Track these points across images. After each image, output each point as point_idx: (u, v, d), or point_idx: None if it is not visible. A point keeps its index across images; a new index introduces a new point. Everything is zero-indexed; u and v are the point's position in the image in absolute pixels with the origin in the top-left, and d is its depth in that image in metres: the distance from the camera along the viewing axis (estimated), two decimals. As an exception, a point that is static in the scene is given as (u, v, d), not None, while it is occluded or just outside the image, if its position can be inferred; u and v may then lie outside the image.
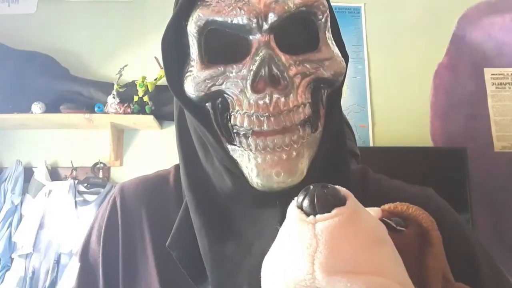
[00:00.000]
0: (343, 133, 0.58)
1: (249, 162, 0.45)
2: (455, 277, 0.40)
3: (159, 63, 2.04)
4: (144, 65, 2.09)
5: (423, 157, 2.03)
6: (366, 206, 0.40)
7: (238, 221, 0.49)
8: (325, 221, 0.29)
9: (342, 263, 0.28)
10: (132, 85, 2.03)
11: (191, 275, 0.49)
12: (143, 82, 2.01)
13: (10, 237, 1.88)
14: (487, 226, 2.04)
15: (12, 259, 1.87)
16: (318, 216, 0.30)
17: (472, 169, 2.01)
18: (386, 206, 0.40)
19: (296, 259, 0.29)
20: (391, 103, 2.23)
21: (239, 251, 0.47)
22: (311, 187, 0.32)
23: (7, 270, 1.85)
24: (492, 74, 2.28)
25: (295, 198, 0.33)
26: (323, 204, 0.30)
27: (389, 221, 0.37)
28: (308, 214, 0.30)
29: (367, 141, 2.18)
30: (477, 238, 0.54)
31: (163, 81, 2.05)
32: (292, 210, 0.32)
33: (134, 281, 0.53)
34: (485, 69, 2.28)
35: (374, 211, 0.38)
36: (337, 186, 0.32)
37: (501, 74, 2.28)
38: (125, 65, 2.03)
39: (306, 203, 0.31)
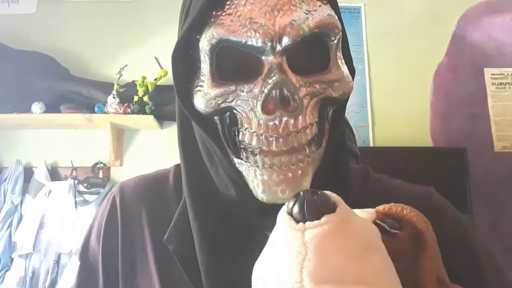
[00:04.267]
0: (344, 140, 0.58)
1: (255, 177, 0.46)
2: (457, 276, 0.39)
3: (159, 63, 2.04)
4: (144, 65, 2.09)
5: (423, 157, 2.03)
6: (366, 205, 0.40)
7: (238, 228, 0.49)
8: (314, 229, 0.29)
9: (331, 272, 0.28)
10: (132, 85, 2.03)
11: (187, 270, 0.49)
12: (143, 82, 2.01)
13: (10, 237, 1.88)
14: (487, 226, 2.04)
15: (12, 259, 1.87)
16: (307, 224, 0.29)
17: (472, 169, 2.01)
18: (380, 208, 0.40)
19: (284, 267, 0.29)
20: (391, 103, 2.23)
21: (238, 259, 0.47)
22: (301, 193, 0.31)
23: (7, 270, 1.85)
24: (492, 74, 2.28)
25: (286, 204, 0.32)
26: (312, 211, 0.30)
27: (383, 223, 0.36)
28: (297, 221, 0.30)
29: (367, 141, 2.18)
30: (479, 237, 0.54)
31: (163, 81, 2.05)
32: (282, 216, 0.32)
33: (134, 279, 0.53)
34: (485, 69, 2.28)
35: (368, 213, 0.38)
36: (327, 192, 0.32)
37: (501, 74, 2.28)
38: (125, 65, 2.03)
39: (296, 210, 0.30)
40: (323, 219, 0.29)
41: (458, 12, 2.34)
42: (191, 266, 0.49)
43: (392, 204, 0.40)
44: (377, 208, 0.40)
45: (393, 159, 1.89)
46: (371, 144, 2.18)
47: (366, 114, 2.22)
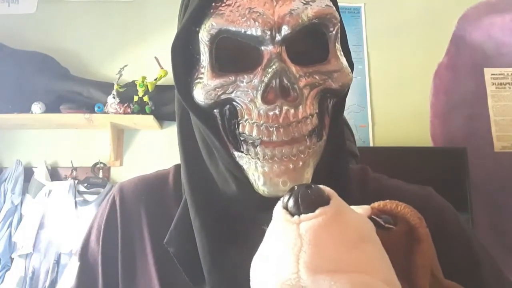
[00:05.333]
0: (343, 137, 0.58)
1: (256, 170, 0.45)
2: (455, 275, 0.40)
3: (159, 63, 2.04)
4: (144, 65, 2.09)
5: (423, 157, 2.03)
6: (365, 205, 0.40)
7: (240, 224, 0.49)
8: (308, 221, 0.30)
9: (326, 262, 0.28)
10: (132, 85, 2.03)
11: (188, 273, 0.49)
12: (143, 82, 2.01)
13: (10, 237, 1.88)
14: (487, 226, 2.04)
15: (12, 259, 1.87)
16: (302, 216, 0.30)
17: (472, 169, 2.01)
18: (375, 204, 0.40)
19: (281, 259, 0.29)
20: (391, 103, 2.23)
21: (240, 254, 0.47)
22: (296, 187, 0.32)
23: (7, 270, 1.85)
24: (492, 74, 2.28)
25: (281, 199, 0.33)
26: (307, 204, 0.30)
27: (377, 218, 0.37)
28: (293, 214, 0.31)
29: (367, 141, 2.18)
30: (478, 237, 0.54)
31: (163, 81, 2.05)
32: (278, 210, 0.32)
33: (133, 280, 0.53)
34: (485, 69, 2.28)
35: (363, 209, 0.38)
36: (321, 186, 0.32)
37: (501, 74, 2.28)
38: (125, 65, 2.03)
39: (291, 204, 0.31)
40: (317, 211, 0.30)
41: (458, 12, 2.34)
42: (192, 267, 0.49)
43: (387, 201, 0.41)
44: (372, 204, 0.40)
45: (393, 159, 1.89)
46: (371, 144, 2.18)
47: (366, 114, 2.22)
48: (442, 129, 2.20)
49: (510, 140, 2.19)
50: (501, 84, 2.27)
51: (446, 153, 2.09)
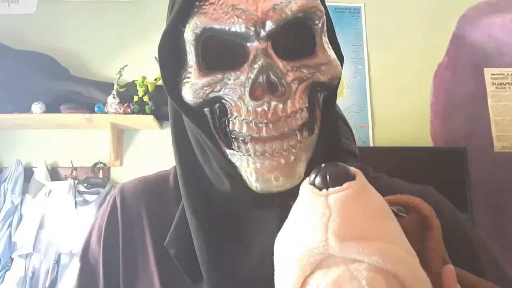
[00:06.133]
0: (337, 132, 0.58)
1: (248, 166, 0.46)
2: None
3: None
4: (144, 65, 2.09)
5: (423, 157, 2.03)
6: None
7: (236, 222, 0.49)
8: (337, 193, 0.32)
9: (354, 230, 0.30)
10: (132, 85, 2.03)
11: (189, 273, 0.49)
12: (143, 82, 2.01)
13: (10, 237, 1.88)
14: (487, 226, 2.04)
15: (12, 259, 1.87)
16: (331, 189, 0.32)
17: (472, 169, 2.01)
18: (387, 198, 0.42)
19: (310, 228, 0.31)
20: (391, 103, 2.23)
21: (238, 252, 0.47)
22: (323, 165, 0.34)
23: (7, 270, 1.85)
24: (492, 74, 2.28)
25: (307, 178, 0.35)
26: (334, 179, 0.33)
27: (391, 208, 0.38)
28: (320, 189, 0.33)
29: (367, 141, 2.18)
30: (478, 236, 0.54)
31: (163, 81, 2.05)
32: (305, 187, 0.34)
33: (134, 281, 0.53)
34: (485, 69, 2.28)
35: None
36: (346, 165, 0.34)
37: (501, 74, 2.28)
38: (125, 65, 2.04)
39: (318, 180, 0.33)
40: (345, 185, 0.32)
41: (458, 12, 2.34)
42: (192, 268, 0.49)
43: (398, 194, 0.43)
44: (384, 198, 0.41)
45: (393, 159, 1.89)
46: (371, 144, 2.18)
47: (366, 114, 2.22)
48: (442, 129, 2.21)
49: (510, 140, 2.19)
50: (501, 84, 2.27)
51: (446, 153, 2.09)
